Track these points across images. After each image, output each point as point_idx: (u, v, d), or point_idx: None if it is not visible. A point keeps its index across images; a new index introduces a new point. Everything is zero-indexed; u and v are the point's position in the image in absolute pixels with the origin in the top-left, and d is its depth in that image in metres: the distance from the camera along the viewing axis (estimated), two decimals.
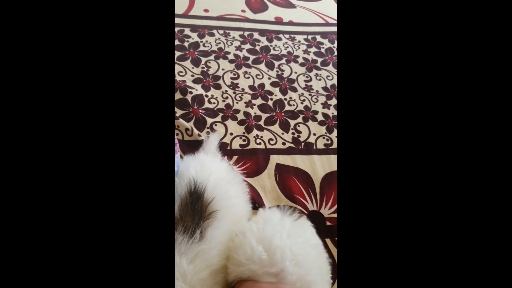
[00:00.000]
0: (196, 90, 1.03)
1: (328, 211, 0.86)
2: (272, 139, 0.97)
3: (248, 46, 1.21)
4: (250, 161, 0.91)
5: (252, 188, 0.86)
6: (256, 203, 0.82)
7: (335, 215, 0.86)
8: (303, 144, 0.97)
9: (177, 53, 1.13)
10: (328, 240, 0.81)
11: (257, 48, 1.21)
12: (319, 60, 1.21)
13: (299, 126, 1.01)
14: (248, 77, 1.11)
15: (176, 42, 1.17)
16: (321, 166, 0.93)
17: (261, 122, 1.00)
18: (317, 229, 0.75)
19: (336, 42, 1.30)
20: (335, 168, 0.94)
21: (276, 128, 1.00)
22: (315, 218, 0.84)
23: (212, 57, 1.15)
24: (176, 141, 0.71)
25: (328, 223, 0.84)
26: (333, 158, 0.96)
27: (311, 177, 0.91)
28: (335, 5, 1.48)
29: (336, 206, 0.87)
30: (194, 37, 1.21)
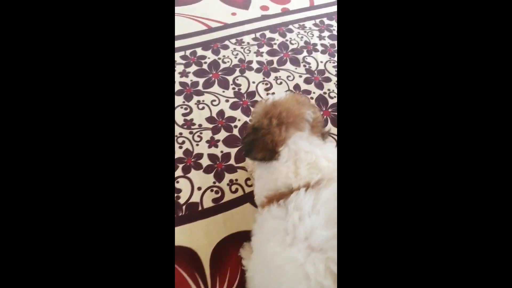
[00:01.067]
0: None
1: None
2: None
3: None
4: None
5: None
6: None
7: None
8: (184, 208, 0.74)
9: None
10: None
11: None
12: (201, 81, 0.98)
13: (177, 182, 0.78)
14: None
15: None
16: (208, 235, 0.71)
17: None
18: None
19: (221, 51, 1.06)
20: (231, 231, 0.72)
21: None
22: None
23: None
24: None
25: None
26: (228, 216, 0.74)
27: (196, 254, 0.69)
28: (221, 3, 1.23)
29: (236, 283, 0.66)
30: None
